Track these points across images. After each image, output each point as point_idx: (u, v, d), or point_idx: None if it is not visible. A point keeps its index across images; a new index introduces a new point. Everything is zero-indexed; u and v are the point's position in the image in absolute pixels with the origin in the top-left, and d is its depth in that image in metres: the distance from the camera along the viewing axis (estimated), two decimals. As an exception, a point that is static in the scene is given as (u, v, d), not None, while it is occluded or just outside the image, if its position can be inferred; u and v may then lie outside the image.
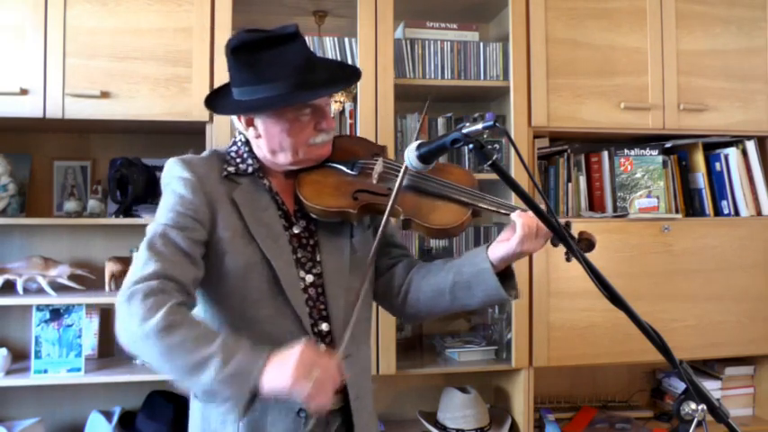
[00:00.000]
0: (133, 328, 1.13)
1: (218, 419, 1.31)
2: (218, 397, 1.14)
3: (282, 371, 1.08)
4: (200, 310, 1.36)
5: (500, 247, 1.31)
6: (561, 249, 1.23)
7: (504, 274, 1.36)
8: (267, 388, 1.09)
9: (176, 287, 1.18)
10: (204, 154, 1.39)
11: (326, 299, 1.35)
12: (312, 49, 2.23)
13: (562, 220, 1.28)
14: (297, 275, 1.33)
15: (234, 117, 1.37)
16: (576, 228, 1.38)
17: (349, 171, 1.39)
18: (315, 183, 1.36)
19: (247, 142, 1.38)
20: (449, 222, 1.32)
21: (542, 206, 1.18)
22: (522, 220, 1.27)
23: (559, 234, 1.15)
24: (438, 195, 1.35)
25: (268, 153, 1.35)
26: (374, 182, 1.36)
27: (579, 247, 1.30)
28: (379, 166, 1.39)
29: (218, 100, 1.42)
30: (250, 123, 1.34)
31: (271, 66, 1.28)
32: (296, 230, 1.37)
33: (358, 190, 1.36)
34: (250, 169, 1.35)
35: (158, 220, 1.26)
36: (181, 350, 1.11)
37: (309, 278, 1.35)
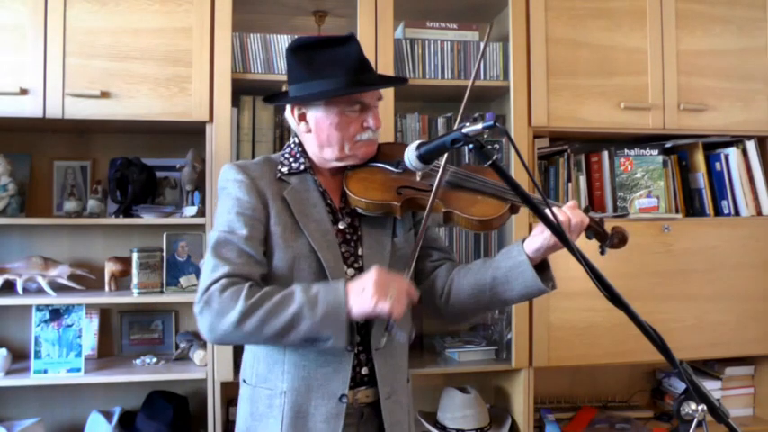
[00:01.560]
0: (222, 322, 1.25)
1: (265, 402, 1.40)
2: (320, 338, 1.26)
3: (365, 296, 1.24)
4: None
5: (535, 240, 1.36)
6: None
7: (541, 266, 1.41)
8: (356, 313, 1.25)
9: (245, 281, 1.30)
10: (256, 159, 1.51)
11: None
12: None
13: (596, 216, 1.40)
14: (342, 269, 1.41)
15: (288, 114, 1.48)
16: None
17: (394, 169, 1.46)
18: (362, 179, 1.45)
19: (300, 144, 1.49)
20: (488, 214, 1.38)
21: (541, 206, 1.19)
22: (560, 213, 1.33)
23: (558, 233, 1.15)
24: (478, 191, 1.42)
25: (317, 148, 1.45)
26: (417, 179, 1.43)
27: (612, 242, 1.43)
28: None
29: (275, 99, 1.62)
30: (302, 118, 1.45)
31: (326, 63, 1.39)
32: (341, 226, 1.46)
33: (402, 186, 1.44)
34: (302, 167, 1.46)
35: (219, 226, 1.37)
36: (272, 318, 1.24)
37: (351, 272, 1.43)
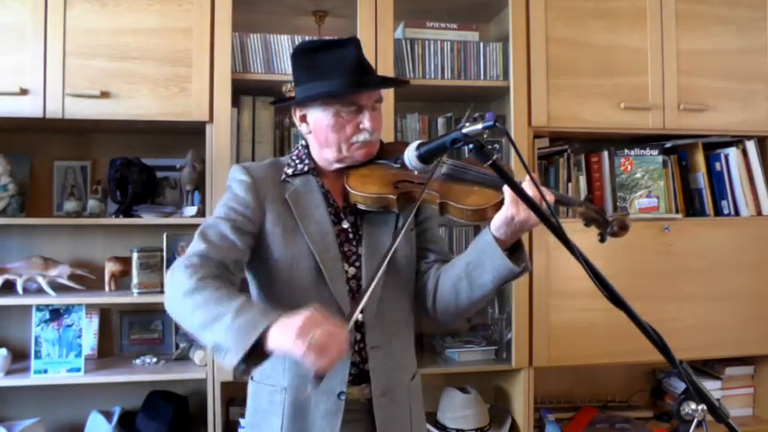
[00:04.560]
0: (173, 294, 1.28)
1: (267, 399, 1.43)
2: (222, 349, 1.18)
3: (286, 331, 1.13)
4: (254, 296, 1.50)
5: (496, 217, 1.33)
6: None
7: (514, 250, 1.38)
8: (271, 345, 1.15)
9: (216, 264, 1.32)
10: (264, 162, 1.54)
11: (362, 291, 1.41)
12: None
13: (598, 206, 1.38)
14: (342, 269, 1.43)
15: (294, 117, 1.50)
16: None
17: (393, 164, 1.46)
18: (362, 176, 1.46)
19: (307, 146, 1.52)
20: (481, 204, 1.37)
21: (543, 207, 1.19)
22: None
23: (559, 233, 1.15)
24: (476, 182, 1.41)
25: (318, 149, 1.48)
26: (415, 173, 1.42)
27: (612, 230, 1.39)
28: None
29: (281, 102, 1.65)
30: (303, 119, 1.48)
31: (325, 65, 1.42)
32: (344, 225, 1.47)
33: (400, 180, 1.44)
34: (306, 168, 1.48)
35: (215, 213, 1.43)
36: (203, 307, 1.22)
37: (352, 270, 1.44)
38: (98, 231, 2.42)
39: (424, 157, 1.26)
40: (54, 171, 2.42)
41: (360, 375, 1.42)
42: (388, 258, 1.30)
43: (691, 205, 2.52)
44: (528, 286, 2.27)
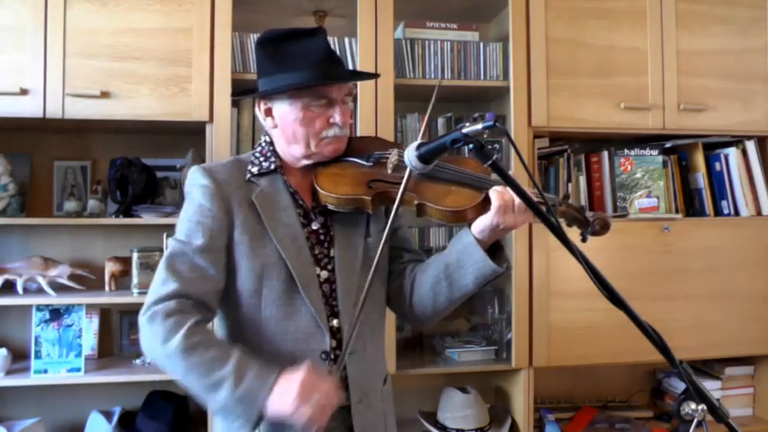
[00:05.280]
0: (157, 348, 1.22)
1: (236, 429, 1.34)
2: (231, 415, 1.22)
3: (286, 397, 1.16)
4: (219, 313, 1.40)
5: (480, 220, 1.31)
6: (573, 237, 1.24)
7: (494, 249, 1.35)
8: (272, 411, 1.18)
9: (194, 304, 1.26)
10: (225, 160, 1.45)
11: (338, 295, 1.38)
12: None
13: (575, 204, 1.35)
14: (314, 273, 1.36)
15: (257, 110, 1.43)
16: (575, 228, 1.39)
17: (365, 163, 1.42)
18: (332, 175, 1.40)
19: (272, 143, 1.44)
20: (461, 205, 1.33)
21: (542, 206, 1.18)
22: (498, 192, 1.28)
23: (559, 234, 1.15)
24: (452, 181, 1.37)
25: (284, 144, 1.40)
26: (389, 172, 1.38)
27: (593, 229, 1.37)
28: (393, 157, 1.40)
29: (243, 94, 1.54)
30: (269, 113, 1.40)
31: (292, 56, 1.34)
32: (314, 227, 1.40)
33: (373, 180, 1.39)
34: (273, 166, 1.40)
35: (178, 234, 1.34)
36: (198, 371, 1.20)
37: (324, 274, 1.38)
38: (98, 231, 2.42)
39: (425, 158, 1.25)
40: (54, 171, 2.42)
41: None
42: (375, 267, 1.26)
43: (691, 205, 2.52)
44: (528, 286, 2.27)
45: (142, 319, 1.25)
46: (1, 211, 2.15)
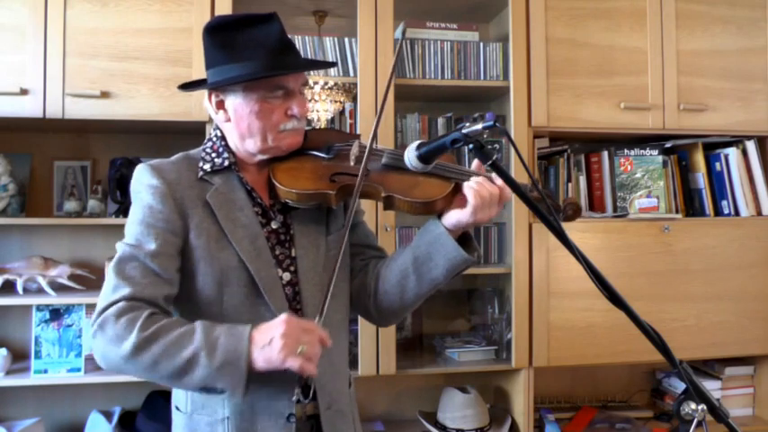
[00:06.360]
0: (114, 352, 1.14)
1: (205, 430, 1.28)
2: (216, 389, 1.15)
3: (272, 349, 1.11)
4: None
5: (453, 215, 1.27)
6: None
7: (461, 238, 1.32)
8: (260, 366, 1.12)
9: (146, 305, 1.18)
10: (174, 158, 1.35)
11: (302, 298, 1.32)
12: (312, 49, 2.24)
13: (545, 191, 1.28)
14: (276, 275, 1.29)
15: (206, 103, 1.33)
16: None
17: (325, 155, 1.36)
18: (290, 169, 1.32)
19: (223, 137, 1.35)
20: (432, 195, 1.28)
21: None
22: (474, 190, 1.24)
23: (559, 234, 1.15)
24: (419, 172, 1.30)
25: (238, 139, 1.31)
26: (351, 164, 1.33)
27: (566, 214, 1.33)
28: (355, 149, 1.35)
29: (191, 86, 1.42)
30: (220, 106, 1.31)
31: (244, 44, 1.25)
32: (274, 226, 1.33)
33: (335, 173, 1.33)
34: (226, 162, 1.31)
35: (127, 237, 1.24)
36: (165, 358, 1.12)
37: (287, 276, 1.31)
38: (98, 231, 2.42)
39: (425, 157, 1.24)
40: (54, 171, 2.42)
41: (303, 390, 1.28)
42: (338, 264, 1.23)
43: (691, 205, 2.52)
44: (528, 286, 2.27)
45: (93, 329, 1.16)
46: (1, 211, 2.15)
